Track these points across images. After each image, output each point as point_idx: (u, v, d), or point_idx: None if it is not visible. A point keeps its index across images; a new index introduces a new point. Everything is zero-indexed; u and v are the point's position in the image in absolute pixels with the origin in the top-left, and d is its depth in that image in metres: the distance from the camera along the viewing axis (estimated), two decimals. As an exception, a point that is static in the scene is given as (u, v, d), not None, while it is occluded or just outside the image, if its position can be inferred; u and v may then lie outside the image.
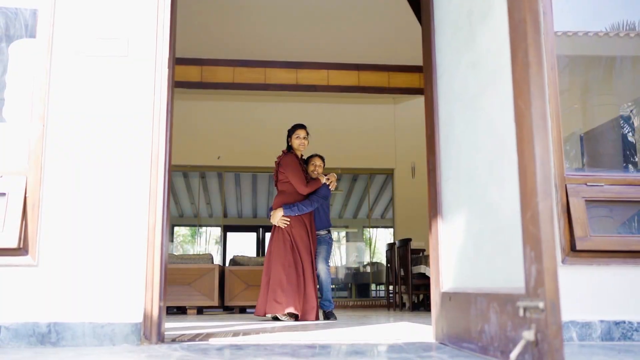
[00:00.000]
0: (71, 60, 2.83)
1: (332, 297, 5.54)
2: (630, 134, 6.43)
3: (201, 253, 10.41)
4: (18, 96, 3.01)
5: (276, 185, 5.45)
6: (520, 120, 1.80)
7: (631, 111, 6.43)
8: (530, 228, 1.72)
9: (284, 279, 5.01)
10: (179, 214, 14.67)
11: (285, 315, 5.01)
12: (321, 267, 5.39)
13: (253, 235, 14.99)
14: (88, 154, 2.77)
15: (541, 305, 1.65)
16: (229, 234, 14.67)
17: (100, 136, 2.79)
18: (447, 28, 2.73)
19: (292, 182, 5.22)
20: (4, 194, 2.69)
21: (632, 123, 6.37)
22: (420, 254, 7.96)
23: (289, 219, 5.16)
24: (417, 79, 7.52)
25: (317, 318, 5.10)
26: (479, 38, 2.26)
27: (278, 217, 5.17)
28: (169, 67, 2.84)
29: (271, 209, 5.31)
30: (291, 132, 5.45)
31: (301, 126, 5.44)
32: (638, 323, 2.83)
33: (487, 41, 2.16)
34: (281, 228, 5.17)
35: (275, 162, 5.46)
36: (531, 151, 1.72)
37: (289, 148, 5.43)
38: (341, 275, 13.53)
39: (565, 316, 2.81)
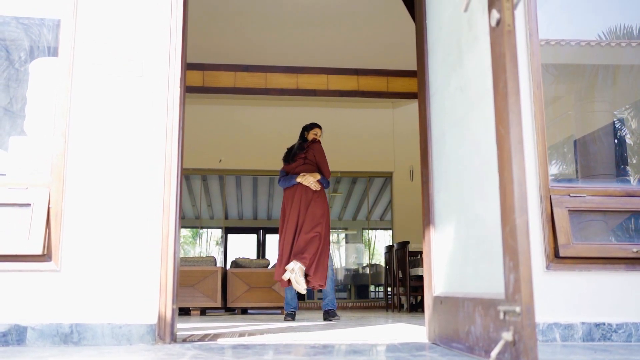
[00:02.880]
0: (91, 80, 3.05)
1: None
2: (627, 135, 6.57)
3: (204, 255, 10.61)
4: (39, 112, 3.22)
5: (297, 159, 5.77)
6: (500, 144, 2.01)
7: (628, 114, 6.57)
8: (509, 240, 1.93)
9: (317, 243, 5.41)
10: (180, 216, 14.85)
11: (303, 277, 5.28)
12: None
13: (253, 237, 15.21)
14: (106, 167, 2.99)
15: (518, 309, 1.85)
16: (229, 236, 14.89)
17: (118, 150, 3.01)
18: (439, 52, 2.94)
19: (323, 167, 5.71)
20: (29, 205, 2.90)
21: (630, 125, 6.53)
22: (418, 257, 8.15)
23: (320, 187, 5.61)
24: (416, 83, 7.70)
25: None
26: (466, 64, 2.48)
27: (317, 178, 5.58)
28: (180, 87, 3.06)
29: (286, 175, 5.66)
30: (309, 128, 5.90)
31: (318, 126, 5.95)
32: (617, 325, 3.04)
33: (473, 68, 2.37)
34: (314, 198, 5.53)
35: (306, 145, 5.84)
36: (510, 172, 1.93)
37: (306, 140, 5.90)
38: (340, 276, 13.74)
39: (549, 318, 3.02)
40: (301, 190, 5.57)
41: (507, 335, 1.90)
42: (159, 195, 2.98)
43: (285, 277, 5.29)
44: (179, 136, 3.04)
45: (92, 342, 2.81)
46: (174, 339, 2.90)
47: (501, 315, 1.97)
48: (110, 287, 2.88)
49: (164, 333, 2.85)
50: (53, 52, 3.09)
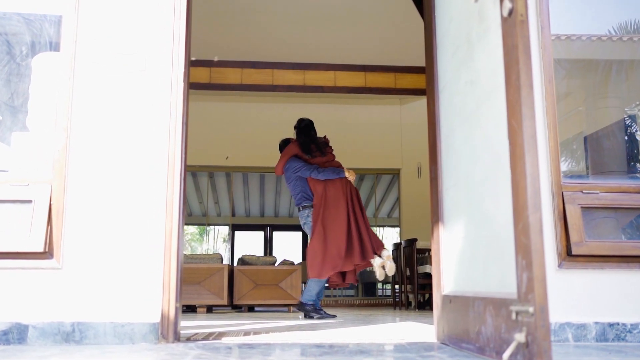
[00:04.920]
0: (93, 74, 3.00)
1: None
2: (638, 132, 6.49)
3: (210, 253, 10.58)
4: (41, 107, 3.17)
5: (329, 153, 5.89)
6: (513, 138, 1.94)
7: (639, 110, 6.48)
8: (522, 238, 1.86)
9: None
10: (187, 213, 14.85)
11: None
12: None
13: (260, 234, 15.17)
14: (108, 163, 2.94)
15: (531, 309, 1.79)
16: (236, 233, 14.85)
17: (120, 147, 2.96)
18: (448, 46, 2.87)
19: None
20: (30, 201, 2.86)
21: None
22: (426, 254, 8.08)
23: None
24: (424, 80, 7.62)
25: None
26: (476, 58, 2.40)
27: None
28: (184, 81, 3.00)
29: (335, 170, 5.70)
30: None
31: None
32: (631, 325, 2.96)
33: (484, 62, 2.30)
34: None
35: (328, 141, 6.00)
36: (523, 168, 1.86)
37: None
38: (348, 273, 13.63)
39: (562, 318, 2.95)
40: (349, 184, 5.67)
41: (519, 337, 1.84)
42: (162, 191, 2.92)
43: (377, 262, 5.55)
44: (183, 131, 2.98)
45: (94, 341, 2.76)
46: (177, 337, 2.85)
47: (513, 316, 1.91)
48: (113, 285, 2.84)
49: (167, 332, 2.80)
50: (55, 46, 3.04)
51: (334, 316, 5.61)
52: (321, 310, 5.62)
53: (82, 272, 2.84)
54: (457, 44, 2.68)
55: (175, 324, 2.83)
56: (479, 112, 2.37)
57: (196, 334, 3.34)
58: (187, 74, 3.05)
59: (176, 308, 2.84)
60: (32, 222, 2.82)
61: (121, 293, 2.83)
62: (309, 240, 5.55)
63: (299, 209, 5.77)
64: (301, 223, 5.76)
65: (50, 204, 2.86)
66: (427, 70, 3.15)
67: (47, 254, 2.83)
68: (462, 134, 2.62)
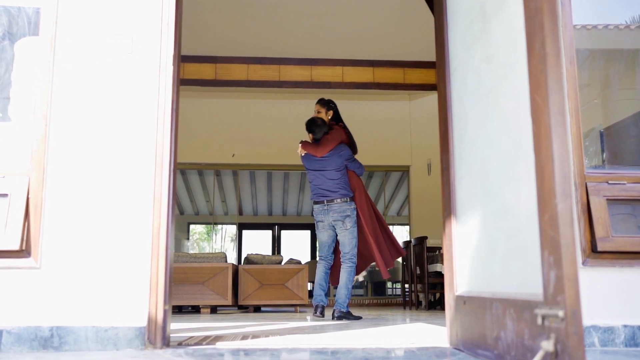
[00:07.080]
0: (74, 59, 2.77)
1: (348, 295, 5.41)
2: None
3: (215, 252, 10.39)
4: (22, 95, 2.95)
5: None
6: (536, 116, 1.69)
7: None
8: (549, 231, 1.61)
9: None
10: (194, 212, 14.68)
11: None
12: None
13: (268, 233, 14.95)
14: (91, 154, 2.71)
15: (561, 313, 1.54)
16: (244, 232, 14.64)
17: (104, 136, 2.73)
18: (460, 21, 2.62)
19: None
20: (6, 195, 2.63)
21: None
22: (437, 252, 7.85)
23: None
24: (433, 74, 7.45)
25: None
26: (493, 31, 2.15)
27: None
28: (174, 65, 2.77)
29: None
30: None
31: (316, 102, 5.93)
32: (663, 328, 2.70)
33: (502, 34, 2.05)
34: None
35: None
36: (549, 148, 1.61)
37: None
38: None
39: (587, 321, 2.69)
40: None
41: (547, 345, 1.58)
42: (150, 185, 2.69)
43: None
44: (172, 119, 2.75)
45: (75, 347, 2.52)
46: (166, 343, 2.61)
47: (539, 320, 1.66)
48: (96, 285, 2.60)
49: (155, 337, 2.56)
50: (34, 26, 2.82)
51: (359, 317, 5.34)
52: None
53: (62, 272, 2.60)
54: (471, 17, 2.42)
55: (164, 327, 2.59)
56: (496, 91, 2.12)
57: (190, 337, 3.11)
58: (177, 57, 2.82)
59: (165, 311, 2.60)
60: (8, 218, 2.59)
61: (104, 295, 2.60)
62: (355, 236, 5.29)
63: (339, 199, 5.28)
64: (340, 216, 5.26)
65: (27, 198, 2.63)
66: (438, 50, 2.90)
67: (23, 252, 2.59)
68: (477, 116, 2.36)
